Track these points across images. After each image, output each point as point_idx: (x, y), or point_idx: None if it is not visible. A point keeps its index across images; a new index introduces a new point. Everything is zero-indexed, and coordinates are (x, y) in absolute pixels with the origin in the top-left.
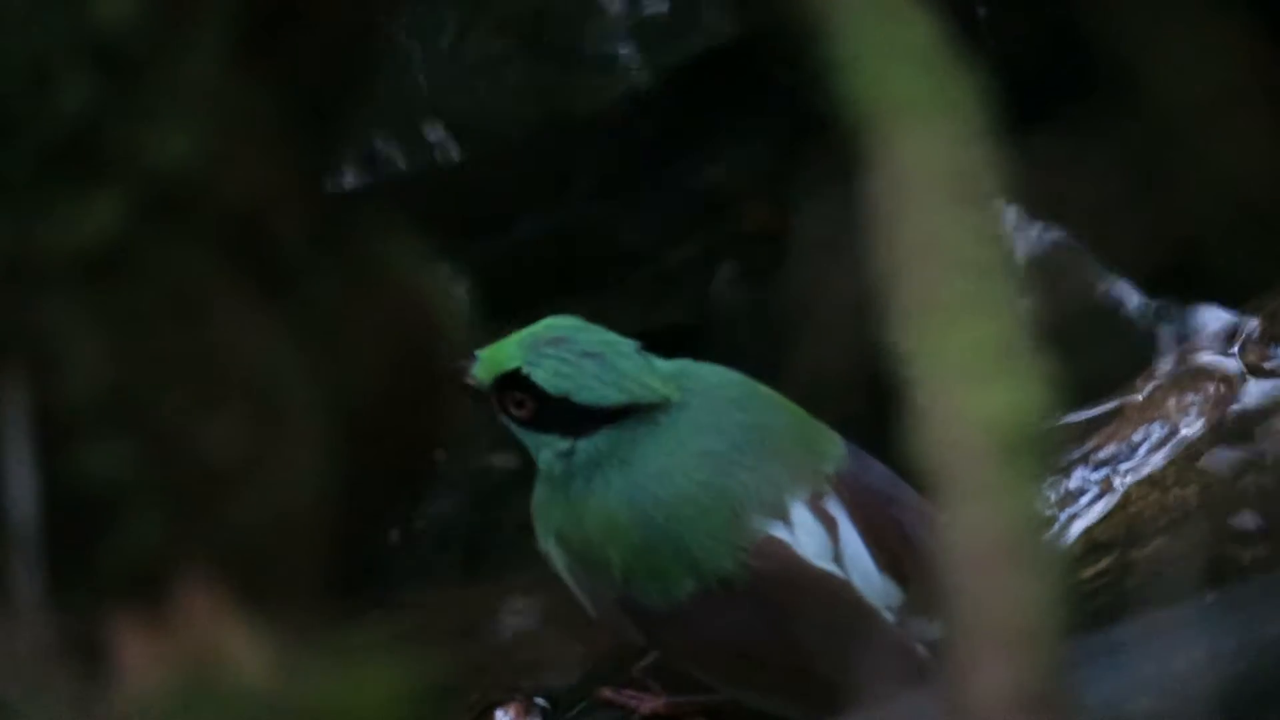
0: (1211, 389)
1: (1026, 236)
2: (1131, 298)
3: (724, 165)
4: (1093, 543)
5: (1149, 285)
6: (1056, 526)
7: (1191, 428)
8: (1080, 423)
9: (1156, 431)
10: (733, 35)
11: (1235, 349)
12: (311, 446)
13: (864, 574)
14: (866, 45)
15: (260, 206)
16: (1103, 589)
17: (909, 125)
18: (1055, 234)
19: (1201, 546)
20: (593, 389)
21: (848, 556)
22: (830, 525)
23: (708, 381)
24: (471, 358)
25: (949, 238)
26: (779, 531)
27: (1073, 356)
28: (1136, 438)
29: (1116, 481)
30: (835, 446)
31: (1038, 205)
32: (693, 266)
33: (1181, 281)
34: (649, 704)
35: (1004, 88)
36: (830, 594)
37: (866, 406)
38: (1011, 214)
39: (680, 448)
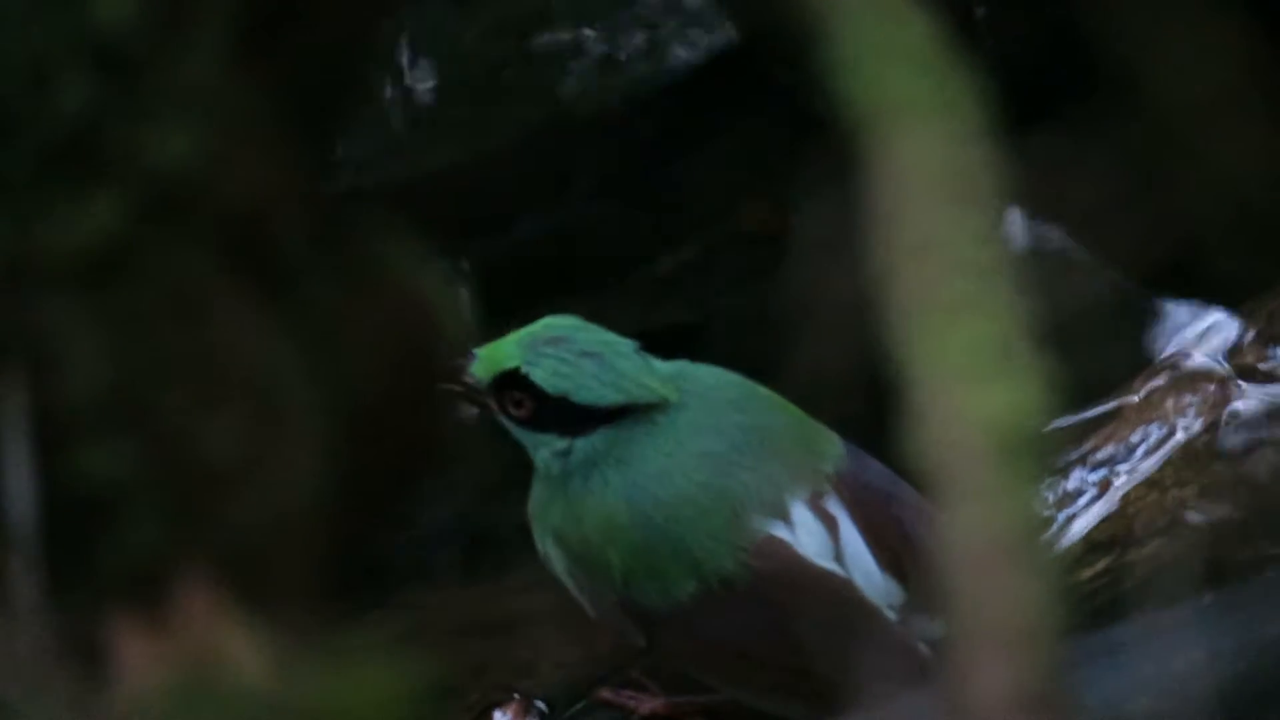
0: (1209, 390)
1: (1025, 237)
2: (1130, 298)
3: (723, 166)
4: (1091, 543)
5: (1147, 286)
6: (1055, 527)
7: (1189, 429)
8: (1078, 424)
9: (1154, 432)
10: (732, 36)
11: (1233, 350)
12: (311, 447)
13: (865, 573)
14: (865, 46)
15: (260, 207)
16: (1101, 589)
17: (908, 126)
18: (1054, 234)
19: (1199, 547)
20: (591, 389)
21: (849, 555)
22: (831, 524)
23: (706, 383)
24: (470, 356)
25: (948, 238)
26: (780, 531)
27: (1071, 357)
28: (1134, 439)
29: (1115, 482)
30: (834, 446)
31: (1037, 205)
32: (692, 267)
33: (1180, 282)
34: (647, 704)
35: (1002, 88)
36: (832, 593)
37: (865, 407)
38: (1010, 214)
39: (679, 448)
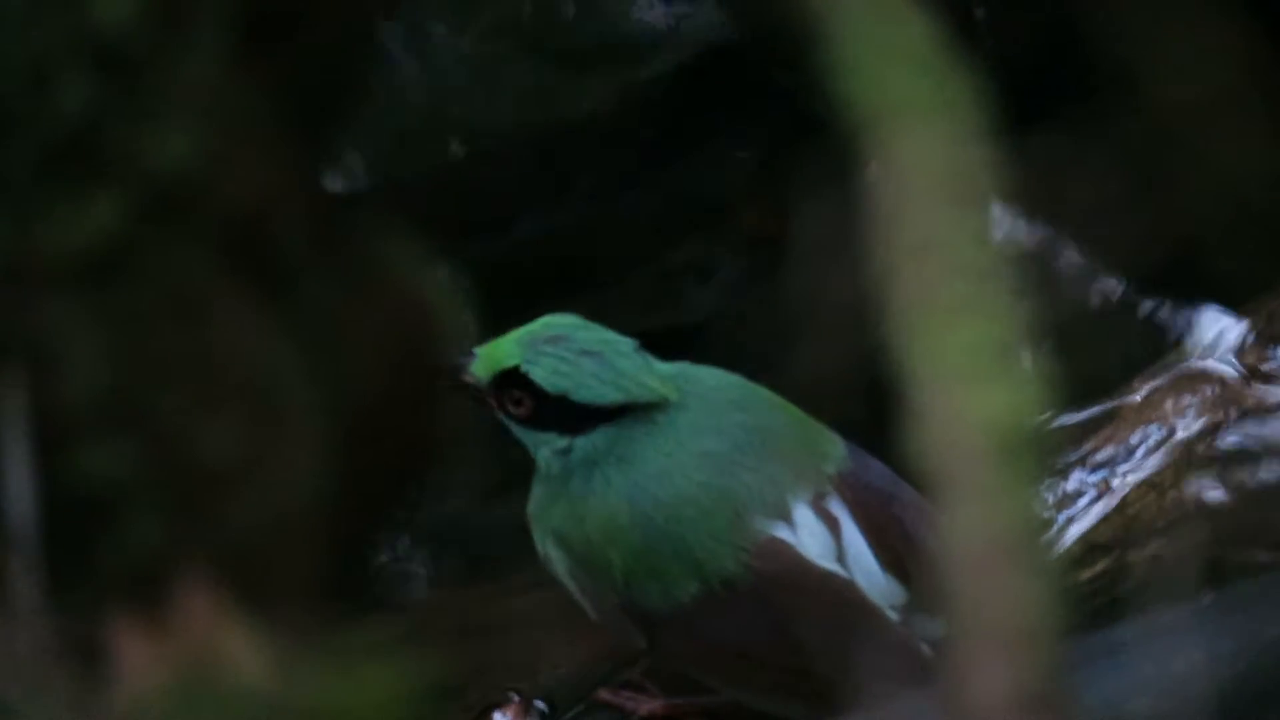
0: (1209, 391)
1: (1025, 237)
2: (1129, 299)
3: (723, 167)
4: (1091, 544)
5: (1147, 286)
6: (1055, 528)
7: (1189, 429)
8: (1078, 424)
9: (1154, 433)
10: (732, 37)
11: (1233, 350)
12: (311, 447)
13: (867, 573)
14: (865, 47)
15: (260, 207)
16: (1101, 590)
17: (907, 127)
18: (1053, 235)
19: (1199, 548)
20: (591, 387)
21: (851, 556)
22: (833, 525)
23: (707, 383)
24: (470, 355)
25: (947, 239)
26: (781, 532)
27: (1071, 358)
28: (1134, 439)
29: (1114, 483)
30: (836, 447)
31: (1036, 206)
32: (691, 268)
33: (1180, 283)
34: (647, 705)
35: (1002, 89)
36: (834, 594)
37: (865, 408)
38: (1010, 215)
39: (680, 448)
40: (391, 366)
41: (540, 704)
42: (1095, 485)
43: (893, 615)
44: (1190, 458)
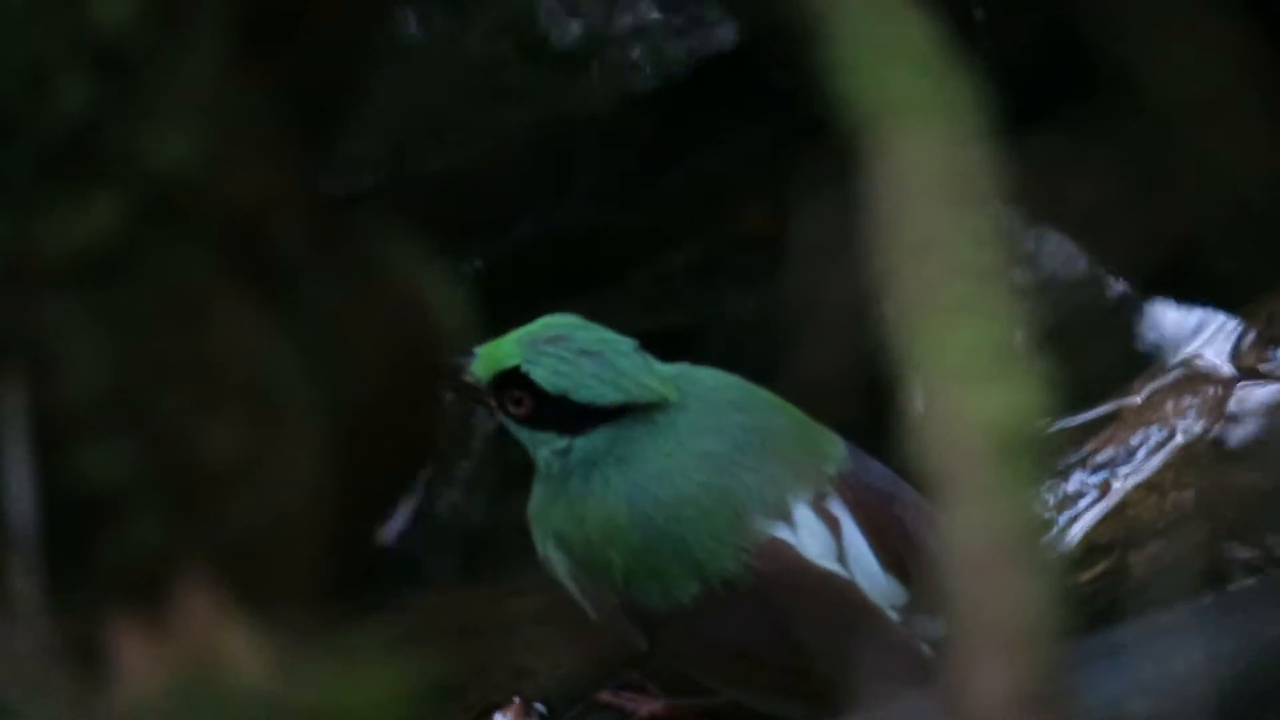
0: (1209, 392)
1: (1024, 238)
2: (1129, 300)
3: (722, 168)
4: (1091, 545)
5: (1147, 287)
6: (1055, 529)
7: (1189, 431)
8: (1078, 426)
9: (1154, 434)
10: (732, 38)
11: (1234, 352)
12: (310, 448)
13: (868, 573)
14: (864, 48)
15: (260, 208)
16: (1101, 591)
17: (907, 127)
18: (1053, 236)
19: (1200, 549)
20: (591, 387)
21: (851, 556)
22: (833, 525)
23: (706, 384)
24: (470, 355)
25: (947, 239)
26: (782, 532)
27: (1071, 359)
28: (1134, 441)
29: (1115, 484)
30: (836, 448)
31: (1036, 207)
32: (691, 269)
33: (1180, 283)
34: (647, 706)
35: (1001, 89)
36: (835, 594)
37: (865, 409)
38: (1009, 216)
39: (680, 448)
40: (391, 367)
41: (540, 705)
42: (1096, 486)
43: (893, 615)
44: (1190, 459)
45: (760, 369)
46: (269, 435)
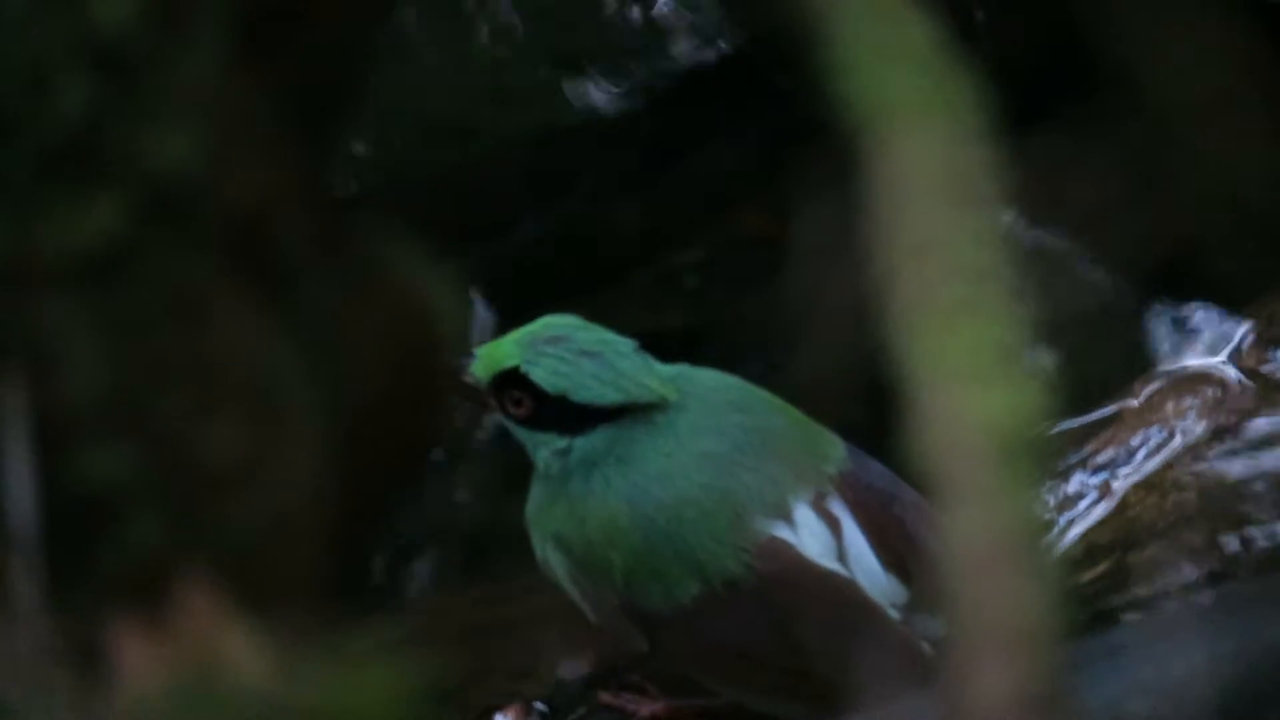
0: (1209, 393)
1: (1025, 239)
2: (1130, 300)
3: (723, 168)
4: (1091, 546)
5: (1147, 288)
6: (1055, 530)
7: (1189, 432)
8: (1078, 427)
9: (1155, 435)
10: (732, 39)
11: (1233, 352)
12: (311, 449)
13: (869, 573)
14: (865, 48)
15: (260, 209)
16: (1101, 592)
17: (907, 128)
18: (1054, 236)
19: (1200, 550)
20: (590, 388)
21: (852, 556)
22: (834, 525)
23: (706, 384)
24: (470, 355)
25: (948, 240)
26: (782, 532)
27: (1071, 360)
28: (1135, 442)
29: (1115, 485)
30: (836, 448)
31: (1036, 207)
32: (691, 271)
33: (1180, 284)
34: (648, 708)
35: (1002, 90)
36: (835, 593)
37: (866, 410)
38: (1010, 216)
39: (680, 449)
40: (392, 368)
41: (541, 706)
42: (1096, 487)
43: (894, 615)
44: (1191, 460)
45: (761, 370)
46: (269, 436)
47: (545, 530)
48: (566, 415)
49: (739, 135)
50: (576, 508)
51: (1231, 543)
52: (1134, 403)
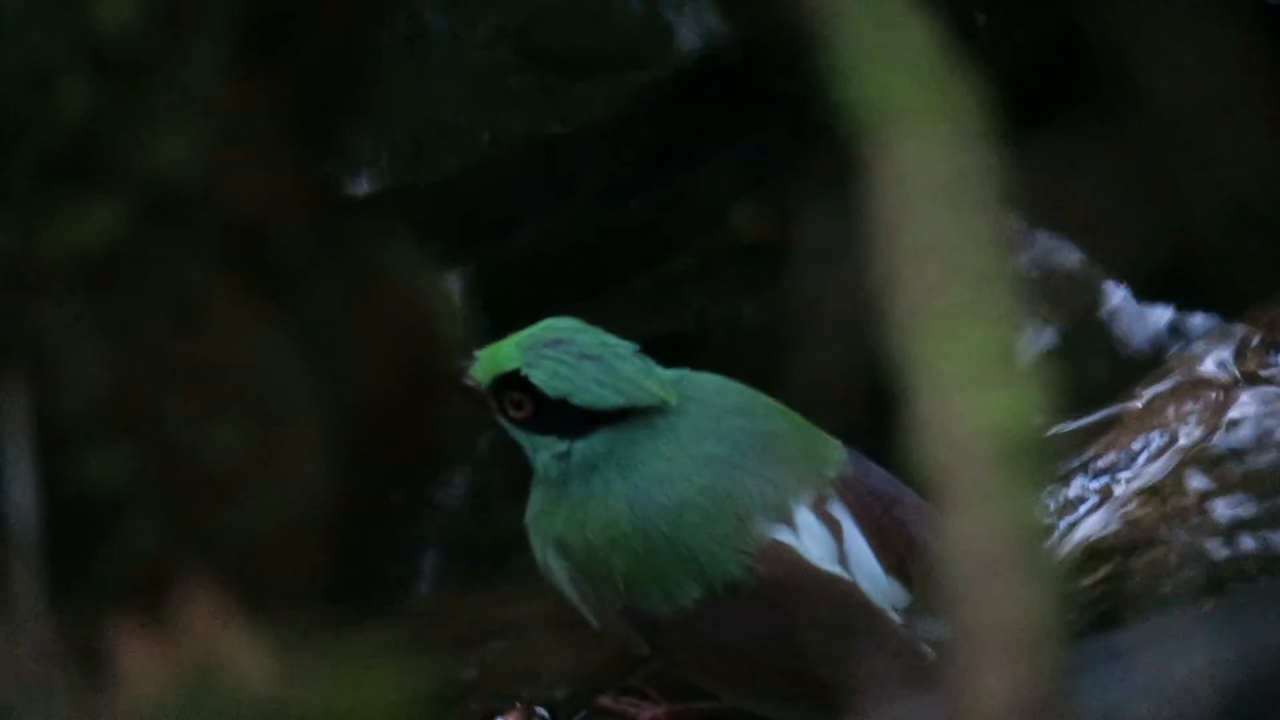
0: (1211, 397)
1: (1026, 242)
2: (1130, 304)
3: (723, 173)
4: (1092, 550)
5: (1148, 292)
6: (1056, 534)
7: (1190, 436)
8: (1079, 430)
9: (1156, 440)
10: (732, 43)
11: (1234, 357)
12: (312, 452)
13: (870, 576)
14: (866, 52)
15: (261, 212)
16: (1102, 596)
17: (908, 132)
18: (1055, 240)
19: (1200, 554)
20: (591, 390)
21: (853, 559)
22: (835, 528)
23: (707, 389)
24: (470, 358)
25: (948, 244)
26: (784, 535)
27: (1072, 363)
28: (1136, 446)
29: (1116, 490)
30: (837, 452)
31: (1037, 211)
32: (692, 274)
33: (1181, 288)
34: (649, 712)
35: (1002, 93)
36: (837, 596)
37: (866, 414)
38: (1011, 220)
39: (681, 452)
40: (393, 371)
41: (542, 710)
42: (1097, 491)
43: (895, 618)
44: (1191, 464)
45: (761, 374)
46: (270, 439)
47: (545, 534)
48: (567, 418)
49: (739, 139)
50: (577, 511)
51: (1232, 547)
52: (1135, 406)
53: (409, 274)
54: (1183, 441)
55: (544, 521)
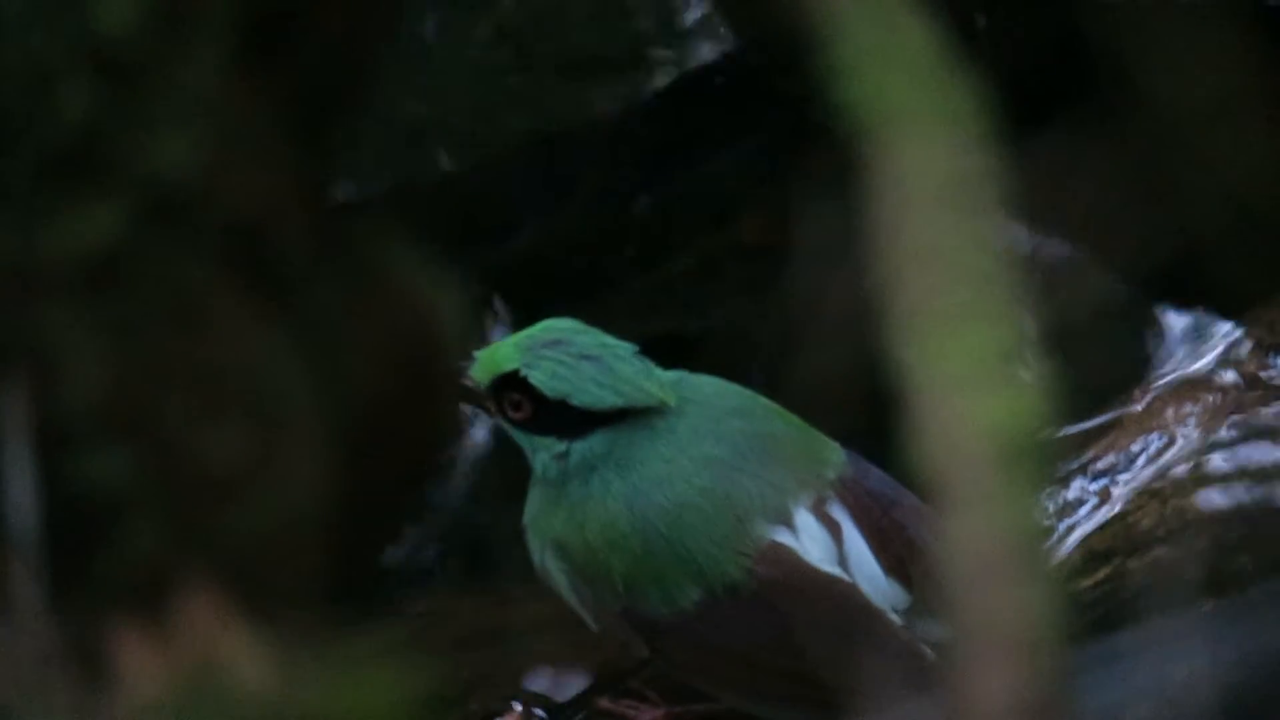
0: (1210, 399)
1: (1026, 244)
2: (1130, 306)
3: (724, 175)
4: (1091, 552)
5: (1148, 293)
6: (1055, 536)
7: (1190, 438)
8: (1079, 433)
9: (1155, 442)
10: (733, 45)
11: (1235, 359)
12: (312, 454)
13: (869, 577)
14: (866, 54)
15: (261, 214)
16: (1101, 598)
17: (908, 133)
18: (1054, 242)
19: (1200, 556)
20: (590, 391)
21: (853, 560)
22: (834, 529)
23: (706, 390)
24: (470, 358)
25: (948, 246)
26: (783, 537)
27: (1072, 365)
28: (1135, 448)
29: (1115, 491)
30: (836, 454)
31: (1037, 213)
32: (691, 276)
33: (1181, 290)
34: (647, 714)
35: (1003, 94)
36: (836, 598)
37: (866, 417)
38: (1010, 222)
39: (680, 454)
40: (392, 374)
41: (540, 712)
42: (1096, 493)
43: (895, 619)
44: (1191, 466)
45: (761, 376)
46: (271, 441)
47: (544, 536)
48: (566, 419)
49: (739, 139)
50: (575, 513)
51: (1231, 549)
52: (1135, 408)
53: (409, 274)
54: (1182, 444)
55: (543, 522)
